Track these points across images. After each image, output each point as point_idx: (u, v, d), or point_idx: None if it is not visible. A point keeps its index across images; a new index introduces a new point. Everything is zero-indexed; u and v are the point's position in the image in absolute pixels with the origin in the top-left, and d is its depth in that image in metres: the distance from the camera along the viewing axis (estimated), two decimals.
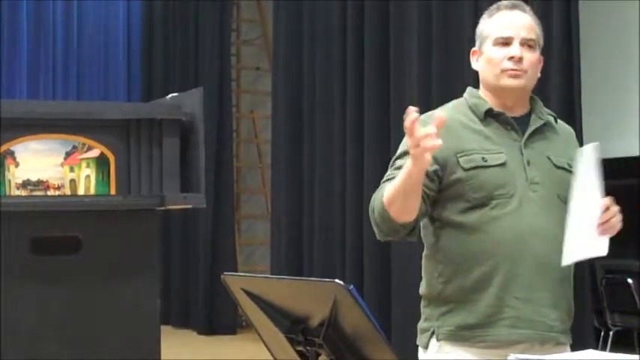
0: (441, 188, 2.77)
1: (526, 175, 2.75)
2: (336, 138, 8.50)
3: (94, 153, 4.47)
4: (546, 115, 2.89)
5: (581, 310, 6.41)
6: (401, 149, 2.81)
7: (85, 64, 11.50)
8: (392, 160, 2.84)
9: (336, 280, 2.26)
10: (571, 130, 3.00)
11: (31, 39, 11.21)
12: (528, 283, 2.70)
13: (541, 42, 2.88)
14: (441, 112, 2.82)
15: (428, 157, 2.48)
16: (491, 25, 2.84)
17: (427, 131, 2.45)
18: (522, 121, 2.84)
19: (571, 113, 6.53)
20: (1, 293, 4.25)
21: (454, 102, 2.92)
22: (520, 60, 2.78)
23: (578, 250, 2.67)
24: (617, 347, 6.76)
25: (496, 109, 2.82)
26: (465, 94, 2.92)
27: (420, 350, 2.86)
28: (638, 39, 7.54)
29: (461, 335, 2.74)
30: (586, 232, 2.66)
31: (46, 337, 4.34)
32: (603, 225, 2.67)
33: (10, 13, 11.10)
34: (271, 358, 2.49)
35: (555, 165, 2.81)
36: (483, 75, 2.87)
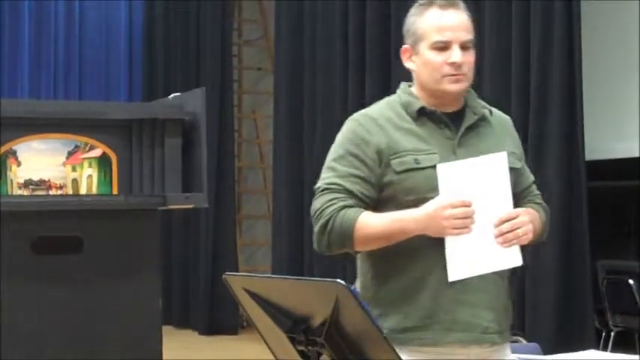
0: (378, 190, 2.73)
1: None
2: None
3: (96, 152, 4.48)
4: (480, 108, 2.81)
5: (582, 311, 6.46)
6: (338, 152, 2.75)
7: (87, 64, 11.50)
8: (328, 162, 2.76)
9: (338, 280, 2.26)
10: (507, 118, 2.91)
11: (32, 39, 11.22)
12: (463, 284, 2.65)
13: (473, 36, 2.79)
14: (373, 111, 2.80)
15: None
16: (425, 25, 2.75)
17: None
18: (456, 117, 2.77)
19: (572, 114, 6.54)
20: (2, 292, 4.25)
21: (387, 99, 2.86)
22: (461, 65, 2.72)
23: (477, 264, 2.63)
24: (618, 348, 6.76)
25: (429, 106, 2.75)
26: (398, 91, 2.85)
27: None
28: (639, 39, 7.54)
29: (396, 338, 2.64)
30: (489, 245, 2.63)
31: (48, 337, 4.35)
32: (503, 236, 2.64)
33: (11, 12, 11.10)
34: (273, 358, 2.49)
35: None
36: (421, 77, 2.78)
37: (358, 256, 2.82)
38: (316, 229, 2.71)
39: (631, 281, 6.87)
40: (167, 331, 5.65)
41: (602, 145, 7.52)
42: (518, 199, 2.82)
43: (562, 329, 6.41)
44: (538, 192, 2.94)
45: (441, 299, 2.67)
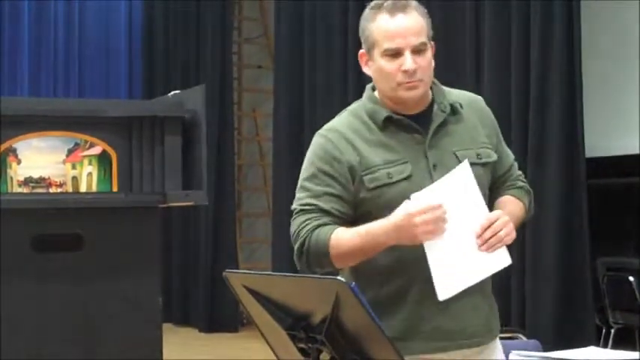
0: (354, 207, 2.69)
1: (432, 182, 2.63)
2: None
3: (96, 150, 4.48)
4: (448, 104, 2.73)
5: (582, 308, 6.46)
6: (311, 170, 2.71)
7: (87, 63, 11.49)
8: (301, 181, 2.72)
9: (338, 278, 2.26)
10: (477, 101, 2.82)
11: (32, 38, 11.21)
12: None
13: (430, 33, 2.71)
14: (340, 125, 2.75)
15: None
16: (376, 31, 2.68)
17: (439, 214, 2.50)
18: (424, 117, 2.71)
19: (572, 112, 6.54)
20: (2, 290, 4.25)
21: (352, 107, 2.81)
22: (414, 71, 2.64)
23: (464, 277, 2.62)
24: (618, 345, 6.76)
25: (394, 109, 2.70)
26: (364, 96, 2.81)
27: None
28: (638, 38, 7.54)
29: None
30: (472, 256, 2.61)
31: (48, 334, 4.35)
32: (486, 243, 2.60)
33: (11, 12, 11.10)
34: (273, 355, 2.49)
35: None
36: (377, 83, 2.75)
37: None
38: (295, 251, 2.68)
39: (631, 278, 6.86)
40: (167, 328, 5.65)
41: (602, 143, 7.52)
42: (499, 185, 2.80)
43: (562, 326, 6.41)
44: (519, 172, 2.89)
45: (422, 310, 2.65)
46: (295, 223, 2.69)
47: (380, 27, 2.67)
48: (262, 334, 2.47)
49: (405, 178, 2.62)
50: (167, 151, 4.52)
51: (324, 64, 8.81)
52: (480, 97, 2.86)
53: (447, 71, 7.07)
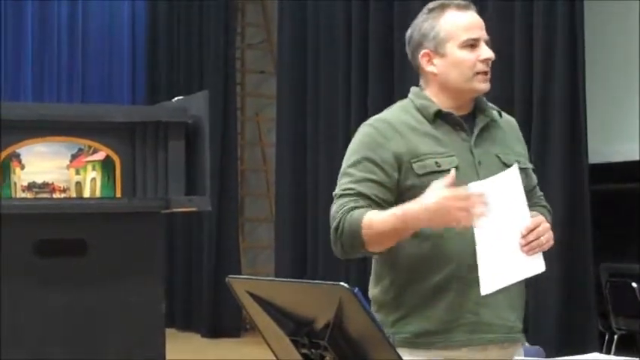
0: (397, 195, 2.71)
1: (478, 177, 2.70)
2: (341, 141, 8.50)
3: (100, 156, 4.49)
4: (490, 110, 2.84)
5: (585, 314, 6.45)
6: (354, 157, 2.74)
7: (90, 67, 11.51)
8: (344, 168, 2.76)
9: (341, 283, 2.26)
10: (513, 121, 2.95)
11: (35, 41, 11.23)
12: None
13: None
14: (388, 116, 2.79)
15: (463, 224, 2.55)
16: (450, 25, 2.76)
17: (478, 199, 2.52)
18: (468, 120, 2.79)
19: (575, 118, 6.54)
20: (4, 295, 4.26)
21: (400, 103, 2.85)
22: (490, 61, 2.78)
23: (505, 275, 2.68)
24: (621, 351, 6.76)
25: (444, 109, 2.77)
26: (411, 95, 2.85)
27: None
28: (639, 44, 7.55)
29: (418, 343, 2.70)
30: (514, 256, 2.68)
31: (50, 339, 4.35)
32: (528, 245, 2.67)
33: (14, 14, 11.12)
34: None
35: (505, 163, 2.77)
36: (447, 77, 2.77)
37: (376, 259, 2.81)
38: (331, 233, 2.72)
39: (634, 284, 6.86)
40: (170, 333, 5.64)
41: (604, 148, 7.52)
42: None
43: (565, 332, 6.41)
44: (541, 192, 2.97)
45: (464, 302, 2.69)
46: (334, 207, 2.72)
47: (455, 21, 2.77)
48: (265, 340, 2.47)
49: (452, 169, 2.66)
50: (170, 156, 4.53)
51: (326, 69, 8.82)
52: (514, 119, 2.96)
53: None
